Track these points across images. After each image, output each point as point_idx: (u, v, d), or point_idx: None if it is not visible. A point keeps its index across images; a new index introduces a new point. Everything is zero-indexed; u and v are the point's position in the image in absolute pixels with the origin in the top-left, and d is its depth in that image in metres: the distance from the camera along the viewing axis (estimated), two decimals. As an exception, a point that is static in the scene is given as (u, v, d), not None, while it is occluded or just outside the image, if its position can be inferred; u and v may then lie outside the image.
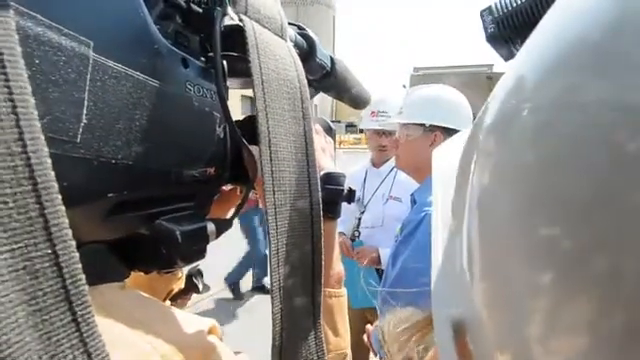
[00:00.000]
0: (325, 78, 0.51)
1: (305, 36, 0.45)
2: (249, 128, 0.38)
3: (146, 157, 0.27)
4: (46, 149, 0.17)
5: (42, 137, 0.17)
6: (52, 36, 0.20)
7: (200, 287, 0.66)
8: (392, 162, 1.74)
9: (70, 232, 0.18)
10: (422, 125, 1.24)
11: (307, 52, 0.44)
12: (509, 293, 0.16)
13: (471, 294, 0.18)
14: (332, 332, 0.45)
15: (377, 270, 1.62)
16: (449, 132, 1.21)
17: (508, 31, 0.48)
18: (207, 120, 0.34)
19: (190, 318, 0.30)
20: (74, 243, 0.18)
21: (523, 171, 0.15)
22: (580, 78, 0.13)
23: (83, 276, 0.18)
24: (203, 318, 0.31)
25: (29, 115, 0.16)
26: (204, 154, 0.34)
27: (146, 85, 0.27)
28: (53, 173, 0.17)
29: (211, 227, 0.36)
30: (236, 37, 0.36)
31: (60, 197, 0.18)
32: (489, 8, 0.47)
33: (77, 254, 0.18)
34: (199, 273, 0.66)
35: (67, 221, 0.18)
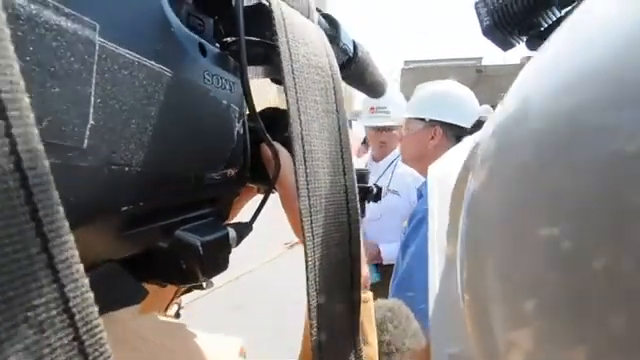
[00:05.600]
0: (347, 65, 0.46)
1: (328, 18, 0.40)
2: (267, 122, 0.34)
3: (163, 161, 0.23)
4: (47, 164, 0.13)
5: (41, 148, 0.13)
6: (49, 16, 0.16)
7: (204, 283, 0.64)
8: (391, 156, 1.74)
9: (81, 267, 0.14)
10: (423, 119, 1.28)
11: (331, 36, 0.40)
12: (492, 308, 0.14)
13: (464, 321, 0.17)
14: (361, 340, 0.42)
15: (376, 265, 1.60)
16: (449, 127, 1.25)
17: (504, 22, 0.46)
18: (227, 115, 0.30)
19: (218, 343, 0.26)
20: (87, 281, 0.14)
21: (522, 171, 0.14)
22: (587, 95, 0.14)
23: (100, 321, 0.14)
24: (232, 339, 0.27)
25: (24, 120, 0.12)
26: (225, 154, 0.30)
27: (161, 76, 0.22)
28: (57, 194, 0.13)
29: (232, 234, 0.32)
30: (257, 18, 0.32)
31: (67, 225, 0.14)
32: (483, 0, 0.44)
33: (91, 295, 0.14)
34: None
35: (77, 254, 0.14)
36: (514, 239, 0.14)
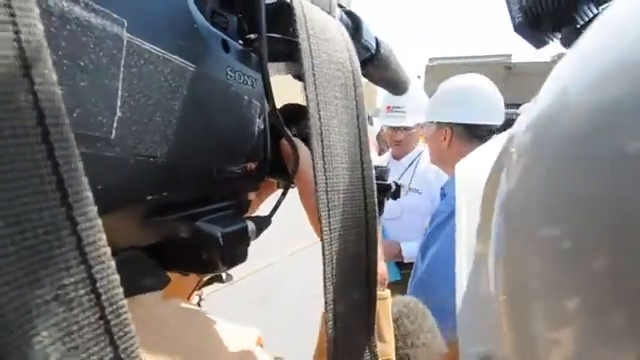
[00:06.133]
0: (369, 62, 0.46)
1: (350, 14, 0.40)
2: (288, 118, 0.35)
3: (186, 153, 0.24)
4: (77, 152, 0.14)
5: (72, 137, 0.14)
6: (80, 13, 0.17)
7: (224, 277, 0.65)
8: (413, 154, 1.71)
9: (108, 250, 0.15)
10: (432, 122, 1.28)
11: (352, 33, 0.40)
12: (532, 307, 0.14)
13: (496, 321, 0.16)
14: (377, 337, 0.42)
15: (397, 263, 1.59)
16: (462, 126, 1.22)
17: (537, 19, 0.44)
18: (248, 110, 0.31)
19: (235, 332, 0.27)
20: (113, 264, 0.15)
21: (553, 168, 0.14)
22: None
23: (125, 302, 0.15)
24: (249, 329, 0.28)
25: (56, 110, 0.13)
26: (245, 148, 0.31)
27: (185, 71, 0.23)
28: (86, 180, 0.14)
29: (252, 226, 0.32)
30: (279, 15, 0.32)
31: (95, 209, 0.14)
32: None
33: (117, 277, 0.15)
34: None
35: (105, 237, 0.15)
36: (554, 240, 0.13)
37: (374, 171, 0.32)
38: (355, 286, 0.30)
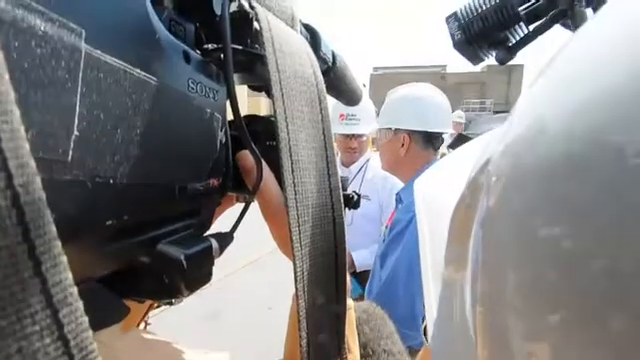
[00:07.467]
0: (325, 74, 0.47)
1: (308, 28, 0.41)
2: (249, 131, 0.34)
3: (149, 172, 0.23)
4: (38, 179, 0.12)
5: (33, 163, 0.12)
6: (34, 22, 0.15)
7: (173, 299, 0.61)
8: (361, 161, 1.76)
9: (75, 291, 0.13)
10: (390, 128, 1.30)
11: (311, 45, 0.40)
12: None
13: (473, 348, 0.16)
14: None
15: (354, 276, 1.59)
16: (417, 132, 1.26)
17: (475, 37, 0.48)
18: (210, 123, 0.29)
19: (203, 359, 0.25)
20: (81, 305, 0.13)
21: (537, 187, 0.14)
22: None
23: (95, 347, 0.14)
24: (219, 356, 0.26)
25: (15, 133, 0.12)
26: (208, 163, 0.30)
27: (147, 84, 0.22)
28: (49, 213, 0.12)
29: (215, 245, 0.31)
30: (239, 26, 0.31)
31: (60, 245, 0.13)
32: (454, 15, 0.46)
33: (86, 319, 0.13)
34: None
35: (71, 276, 0.13)
36: (532, 253, 0.14)
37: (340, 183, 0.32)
38: (326, 300, 0.29)
